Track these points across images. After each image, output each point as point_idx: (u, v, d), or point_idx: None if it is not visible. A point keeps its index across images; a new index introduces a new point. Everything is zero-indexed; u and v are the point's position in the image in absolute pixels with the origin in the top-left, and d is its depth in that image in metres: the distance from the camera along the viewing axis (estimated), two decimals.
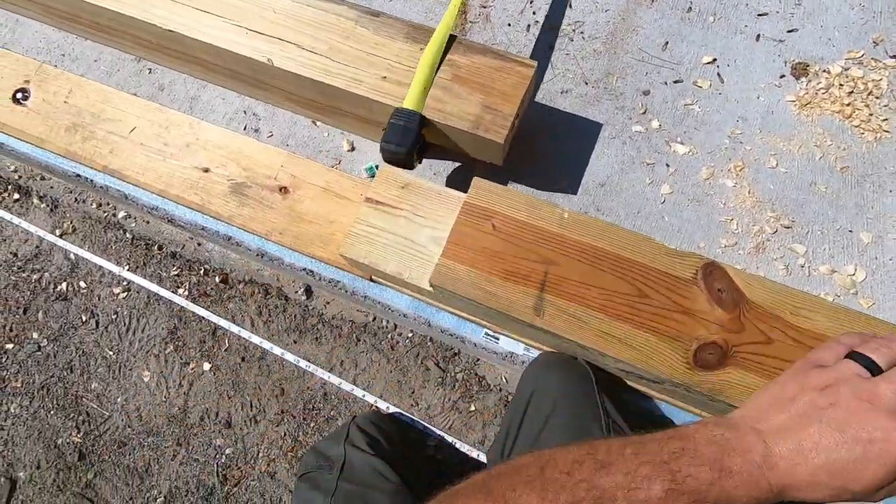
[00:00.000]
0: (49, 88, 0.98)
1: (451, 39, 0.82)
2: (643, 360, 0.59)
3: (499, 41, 1.01)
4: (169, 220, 0.99)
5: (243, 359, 1.04)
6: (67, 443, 1.04)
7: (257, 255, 0.92)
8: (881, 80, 0.92)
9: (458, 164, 0.93)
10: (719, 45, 0.97)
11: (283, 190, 0.87)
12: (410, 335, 1.00)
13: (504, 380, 0.96)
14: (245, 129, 1.00)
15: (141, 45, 1.01)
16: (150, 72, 1.05)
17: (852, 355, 0.40)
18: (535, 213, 0.65)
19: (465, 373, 0.97)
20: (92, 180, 0.98)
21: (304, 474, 0.79)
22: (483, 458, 0.92)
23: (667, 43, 0.98)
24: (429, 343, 0.99)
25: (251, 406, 1.02)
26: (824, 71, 0.93)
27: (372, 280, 0.85)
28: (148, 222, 1.14)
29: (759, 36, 0.97)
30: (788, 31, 0.97)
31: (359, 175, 0.94)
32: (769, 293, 0.59)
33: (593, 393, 0.65)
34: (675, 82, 0.95)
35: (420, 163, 0.83)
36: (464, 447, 0.94)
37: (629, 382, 0.72)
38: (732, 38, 0.97)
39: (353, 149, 0.96)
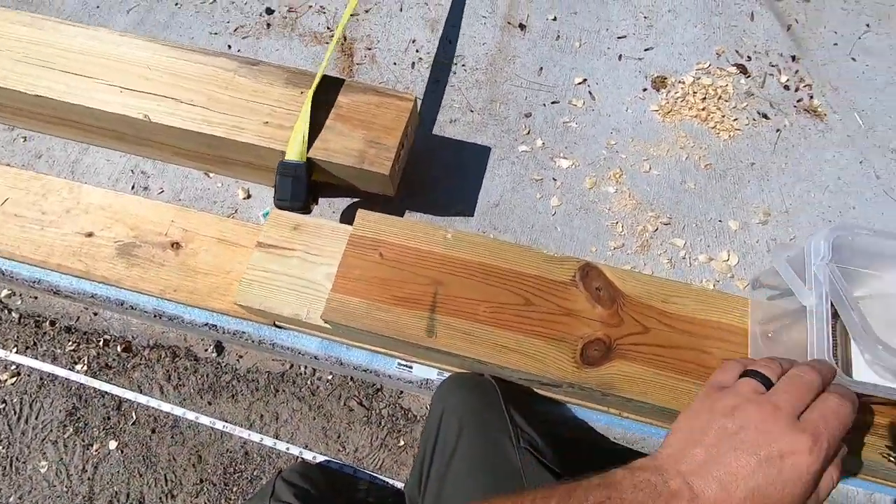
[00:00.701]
0: None
1: (339, 83, 0.84)
2: (537, 367, 0.61)
3: (386, 80, 1.05)
4: (55, 293, 0.92)
5: (154, 430, 0.97)
6: None
7: (154, 316, 0.88)
8: (727, 85, 1.03)
9: (355, 200, 0.94)
10: (587, 67, 1.05)
11: (175, 245, 0.84)
12: (330, 377, 0.98)
13: (427, 409, 0.95)
14: (133, 188, 0.96)
15: (11, 113, 0.96)
16: (24, 140, 1.00)
17: (746, 373, 0.42)
18: (419, 237, 0.67)
19: (389, 408, 0.96)
20: None
21: None
22: None
23: (541, 68, 1.06)
24: (350, 383, 0.97)
25: (166, 480, 0.94)
26: (679, 82, 1.04)
27: (276, 325, 0.83)
28: (36, 298, 1.06)
29: (620, 56, 1.07)
30: (645, 50, 1.07)
31: (257, 221, 0.93)
32: (641, 285, 0.64)
33: (500, 406, 0.66)
34: (553, 103, 1.02)
35: (317, 204, 0.84)
36: (397, 484, 0.91)
37: (536, 390, 0.73)
38: (598, 60, 1.06)
39: (249, 196, 0.95)
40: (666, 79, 1.04)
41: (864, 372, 0.52)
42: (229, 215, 0.93)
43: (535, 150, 0.98)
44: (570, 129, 1.00)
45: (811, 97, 1.02)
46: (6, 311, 1.05)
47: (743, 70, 1.05)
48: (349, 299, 0.64)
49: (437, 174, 0.96)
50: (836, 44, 1.07)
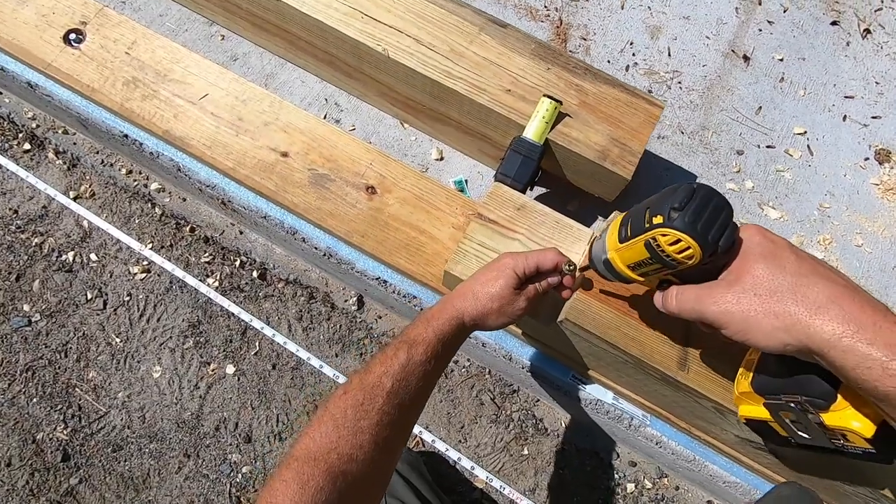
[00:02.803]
0: (109, 35, 0.87)
1: (584, 68, 0.78)
2: None
3: None
4: (223, 203, 0.88)
5: (274, 366, 0.94)
6: (50, 438, 0.89)
7: (324, 255, 0.83)
8: None
9: (546, 191, 0.88)
10: (809, 119, 0.98)
11: (371, 189, 0.80)
12: (467, 364, 0.93)
13: (563, 425, 0.90)
14: (325, 117, 0.92)
15: (223, 8, 0.92)
16: (222, 38, 0.96)
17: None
18: None
19: (521, 413, 0.91)
20: (141, 144, 0.87)
21: None
22: None
23: (760, 108, 0.99)
24: (486, 376, 0.92)
25: (277, 420, 0.91)
26: None
27: None
28: (185, 200, 1.02)
29: (845, 116, 0.99)
30: (872, 117, 1.00)
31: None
32: None
33: None
34: (768, 147, 0.95)
35: (531, 190, 0.78)
36: (513, 493, 0.87)
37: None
38: (821, 115, 0.99)
39: (441, 158, 0.90)
40: (891, 154, 0.97)
41: None
42: None
43: (742, 192, 0.91)
44: (783, 180, 0.93)
45: None
46: (150, 205, 1.02)
47: None
48: (597, 305, 0.59)
49: (639, 189, 0.90)
50: None
